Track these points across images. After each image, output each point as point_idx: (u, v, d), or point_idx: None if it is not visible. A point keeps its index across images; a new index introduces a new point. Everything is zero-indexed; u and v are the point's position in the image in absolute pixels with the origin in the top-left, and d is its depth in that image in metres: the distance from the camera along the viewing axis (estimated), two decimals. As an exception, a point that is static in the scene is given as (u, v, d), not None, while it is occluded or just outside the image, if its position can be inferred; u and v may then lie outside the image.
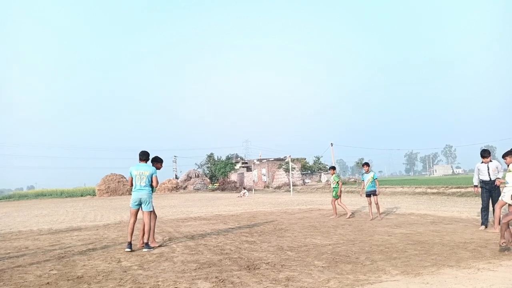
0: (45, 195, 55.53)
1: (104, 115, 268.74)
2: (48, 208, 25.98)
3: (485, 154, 8.96)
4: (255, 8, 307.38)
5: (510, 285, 4.27)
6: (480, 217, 9.16)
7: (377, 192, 11.21)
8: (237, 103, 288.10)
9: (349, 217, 11.54)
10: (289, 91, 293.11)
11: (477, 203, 15.50)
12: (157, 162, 8.11)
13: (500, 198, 7.89)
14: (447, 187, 22.45)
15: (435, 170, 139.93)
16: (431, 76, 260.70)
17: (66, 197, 53.09)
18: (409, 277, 4.75)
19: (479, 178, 9.09)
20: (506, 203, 7.42)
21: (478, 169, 9.10)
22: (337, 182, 12.12)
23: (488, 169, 8.86)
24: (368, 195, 11.24)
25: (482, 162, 9.00)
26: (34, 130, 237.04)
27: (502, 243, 5.83)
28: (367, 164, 11.70)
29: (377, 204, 11.18)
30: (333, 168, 12.82)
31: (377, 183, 11.23)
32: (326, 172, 52.66)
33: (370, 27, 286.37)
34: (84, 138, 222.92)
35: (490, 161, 8.97)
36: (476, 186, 9.17)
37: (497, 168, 8.86)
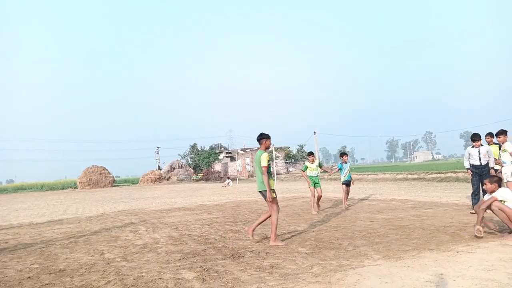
0: (25, 189, 54.39)
1: (84, 107, 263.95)
2: (28, 201, 25.50)
3: (475, 138, 8.79)
4: (241, 3, 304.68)
5: (487, 266, 4.40)
6: (470, 201, 9.15)
7: (352, 182, 11.41)
8: (220, 93, 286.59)
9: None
10: (271, 80, 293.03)
11: (457, 187, 15.89)
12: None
13: (505, 180, 7.86)
14: (427, 172, 22.91)
15: (416, 156, 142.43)
16: (411, 63, 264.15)
17: (46, 190, 52.17)
18: (390, 261, 4.84)
19: (469, 162, 8.95)
20: (500, 200, 6.13)
21: (469, 154, 8.96)
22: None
23: (479, 154, 8.72)
24: (346, 184, 11.09)
25: (473, 146, 8.86)
26: (13, 123, 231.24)
27: (477, 231, 5.89)
28: (346, 154, 11.36)
29: (348, 193, 11.28)
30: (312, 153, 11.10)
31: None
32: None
33: (355, 14, 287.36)
34: (65, 130, 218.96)
35: (481, 145, 8.80)
36: (468, 168, 9.02)
37: (487, 152, 8.69)
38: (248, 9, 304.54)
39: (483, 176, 8.68)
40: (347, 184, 11.11)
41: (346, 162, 11.18)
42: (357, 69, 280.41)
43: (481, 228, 5.91)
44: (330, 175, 12.23)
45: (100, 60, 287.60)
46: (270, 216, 6.47)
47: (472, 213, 8.65)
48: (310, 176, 10.57)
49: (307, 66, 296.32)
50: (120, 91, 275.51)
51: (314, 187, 10.44)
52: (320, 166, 10.94)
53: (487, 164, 8.71)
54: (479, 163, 8.77)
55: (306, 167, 10.69)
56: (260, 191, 6.58)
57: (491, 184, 6.26)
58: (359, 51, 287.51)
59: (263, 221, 6.69)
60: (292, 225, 8.32)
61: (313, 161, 10.77)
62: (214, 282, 4.42)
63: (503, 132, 8.64)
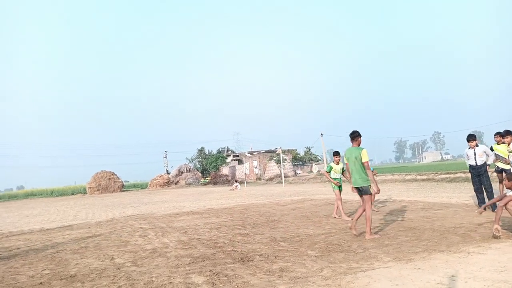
0: (35, 195, 54.97)
1: (92, 111, 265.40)
2: (38, 207, 25.74)
3: (470, 138, 8.95)
4: (242, 4, 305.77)
5: (499, 267, 4.35)
6: (476, 201, 9.16)
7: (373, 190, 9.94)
8: (226, 96, 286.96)
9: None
10: (277, 83, 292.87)
11: (466, 188, 15.72)
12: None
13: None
14: (436, 173, 22.70)
15: (425, 157, 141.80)
16: (418, 63, 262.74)
17: (56, 196, 52.66)
18: (401, 263, 4.80)
19: (468, 163, 9.10)
20: None
21: (467, 155, 9.12)
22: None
23: (475, 154, 8.84)
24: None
25: (470, 147, 9.01)
26: (23, 129, 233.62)
27: (495, 230, 5.81)
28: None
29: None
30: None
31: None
32: (317, 163, 52.87)
33: (360, 14, 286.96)
34: (73, 135, 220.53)
35: (477, 145, 8.91)
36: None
37: (484, 152, 8.78)
38: (254, 10, 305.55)
39: (481, 176, 8.84)
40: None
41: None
42: (362, 69, 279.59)
43: (499, 227, 5.82)
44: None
45: (108, 64, 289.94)
46: (364, 210, 6.82)
47: (481, 212, 8.58)
48: (334, 178, 9.71)
49: (312, 67, 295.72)
50: (127, 96, 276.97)
51: (339, 191, 9.65)
52: (342, 171, 9.75)
53: (483, 164, 8.81)
54: (474, 164, 8.90)
55: (331, 168, 9.81)
56: (357, 187, 6.90)
57: (509, 181, 6.14)
58: (364, 51, 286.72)
59: (359, 216, 6.99)
60: (301, 228, 8.30)
61: (338, 163, 9.82)
62: (224, 286, 4.42)
63: (509, 133, 8.67)
